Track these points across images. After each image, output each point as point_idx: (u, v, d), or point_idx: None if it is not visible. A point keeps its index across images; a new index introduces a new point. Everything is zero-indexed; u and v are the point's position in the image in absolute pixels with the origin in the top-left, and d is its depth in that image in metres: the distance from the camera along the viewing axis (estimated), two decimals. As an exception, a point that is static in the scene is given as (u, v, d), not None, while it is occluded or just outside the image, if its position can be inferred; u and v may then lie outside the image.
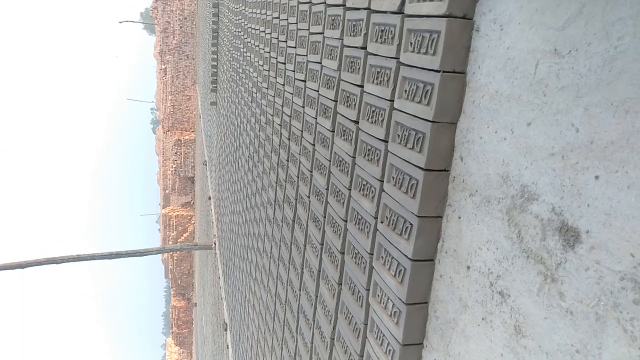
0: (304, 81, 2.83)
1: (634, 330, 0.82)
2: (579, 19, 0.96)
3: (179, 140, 25.60)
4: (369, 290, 1.82)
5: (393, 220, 1.61)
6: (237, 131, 6.41)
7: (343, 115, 2.13)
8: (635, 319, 0.82)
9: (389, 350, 1.62)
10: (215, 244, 10.57)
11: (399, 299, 1.54)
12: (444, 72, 1.36)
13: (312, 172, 2.66)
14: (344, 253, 2.14)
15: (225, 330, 7.83)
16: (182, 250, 24.00)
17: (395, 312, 1.58)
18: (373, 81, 1.81)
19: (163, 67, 27.49)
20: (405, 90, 1.55)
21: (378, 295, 1.72)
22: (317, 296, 2.53)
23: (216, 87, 10.66)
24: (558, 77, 1.02)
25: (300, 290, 2.87)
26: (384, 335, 1.66)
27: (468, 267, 1.33)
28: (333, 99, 2.27)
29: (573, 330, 0.95)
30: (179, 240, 26.20)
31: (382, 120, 1.71)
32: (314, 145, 2.62)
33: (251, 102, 5.04)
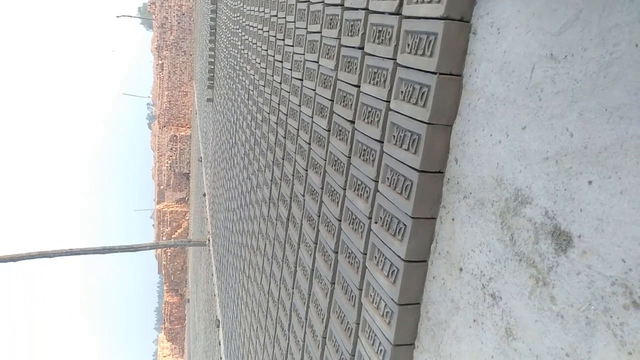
0: (301, 80, 2.82)
1: (623, 335, 0.83)
2: (575, 25, 0.97)
3: (174, 136, 25.52)
4: (361, 290, 1.83)
5: (387, 220, 1.61)
6: (233, 128, 6.40)
7: (339, 115, 2.13)
8: (625, 324, 0.82)
9: (381, 350, 1.62)
10: (209, 240, 10.55)
11: (392, 299, 1.55)
12: (440, 74, 1.36)
13: (307, 170, 2.66)
14: (337, 252, 2.14)
15: (218, 327, 7.82)
16: (175, 246, 23.95)
17: (387, 312, 1.58)
18: (370, 81, 1.81)
19: (160, 62, 27.38)
20: (402, 92, 1.55)
21: (370, 295, 1.73)
22: (309, 295, 2.53)
23: (213, 83, 10.63)
24: (554, 81, 1.02)
25: (293, 288, 2.87)
26: (375, 335, 1.67)
27: (461, 269, 1.33)
28: (329, 98, 2.27)
29: (563, 334, 0.96)
30: (172, 236, 26.14)
31: (378, 121, 1.71)
32: (309, 144, 2.62)
33: (247, 100, 5.03)
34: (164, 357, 29.81)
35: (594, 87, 0.91)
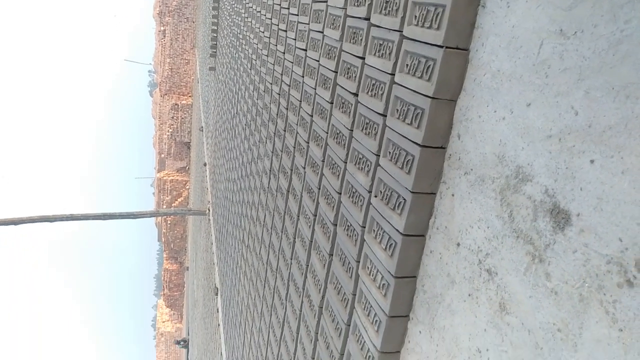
0: (305, 50, 2.78)
1: (615, 313, 0.84)
2: (587, 0, 0.95)
3: (176, 104, 25.33)
4: (359, 262, 1.85)
5: (387, 194, 1.62)
6: (234, 98, 6.35)
7: (343, 87, 2.11)
8: (618, 301, 0.84)
9: (376, 321, 1.65)
10: (209, 210, 10.62)
11: (388, 272, 1.57)
12: (447, 47, 1.34)
13: (308, 143, 2.65)
14: (336, 225, 2.15)
15: (216, 294, 7.96)
16: (175, 215, 24.12)
17: (383, 284, 1.61)
18: (375, 54, 1.78)
19: (162, 29, 26.93)
20: (407, 65, 1.53)
21: (368, 268, 1.75)
22: (307, 266, 2.56)
23: (215, 52, 10.48)
24: (562, 58, 1.01)
25: (291, 259, 2.90)
26: (371, 307, 1.70)
27: (458, 244, 1.34)
28: (333, 69, 2.24)
29: (556, 310, 0.97)
30: (173, 205, 26.28)
31: (382, 94, 1.70)
32: (312, 116, 2.60)
33: (250, 69, 4.97)
34: (163, 322, 30.43)
35: (602, 65, 0.90)
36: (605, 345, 0.86)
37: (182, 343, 22.61)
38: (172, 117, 25.58)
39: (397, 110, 1.57)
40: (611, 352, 0.84)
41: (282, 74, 3.39)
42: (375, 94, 1.76)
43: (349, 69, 2.06)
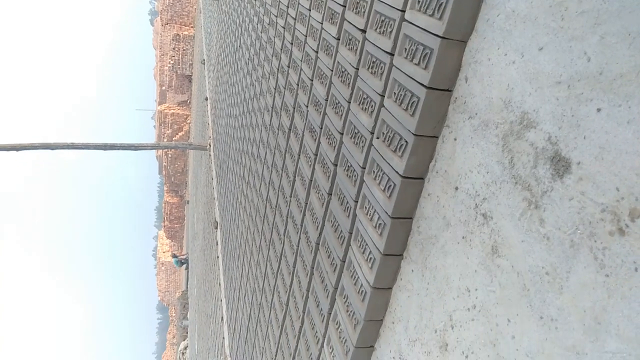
0: (313, -19, 2.66)
1: (604, 259, 0.86)
2: (614, -63, 0.89)
3: (177, 35, 24.56)
4: (357, 202, 1.88)
5: (389, 136, 1.61)
6: (238, 30, 6.15)
7: (350, 23, 2.04)
8: (608, 248, 0.86)
9: (370, 258, 1.70)
10: (210, 145, 10.61)
11: (385, 212, 1.60)
12: (461, -16, 1.28)
13: (312, 80, 2.60)
14: (336, 165, 2.16)
15: (216, 228, 8.14)
16: (176, 149, 24.14)
17: (380, 224, 1.64)
18: (386, -12, 1.70)
19: (163, -48, 25.57)
20: (419, 1, 1.47)
21: (365, 207, 1.78)
22: (306, 204, 2.60)
23: (219, -20, 10.01)
24: (580, 0, 0.96)
25: (291, 197, 2.94)
26: (366, 244, 1.74)
27: (456, 188, 1.36)
28: (342, 3, 2.16)
29: (547, 254, 1.00)
30: (173, 139, 26.24)
31: (391, 32, 1.64)
32: (317, 52, 2.54)
33: (255, 0, 4.78)
34: (164, 252, 31.37)
35: (621, 9, 0.86)
36: (590, 289, 0.89)
37: (180, 260, 23.11)
38: (174, 49, 24.90)
39: (406, 49, 1.53)
40: (595, 296, 0.88)
41: (287, 7, 3.26)
42: (383, 31, 1.70)
43: (357, 3, 1.98)
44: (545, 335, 0.99)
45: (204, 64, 13.97)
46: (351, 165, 1.95)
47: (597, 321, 0.87)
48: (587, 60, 0.94)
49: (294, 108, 2.97)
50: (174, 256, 24.08)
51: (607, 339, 0.85)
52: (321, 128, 2.41)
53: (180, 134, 26.48)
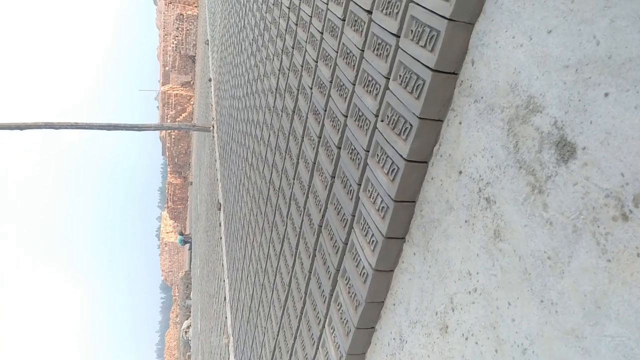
0: (319, -39, 2.62)
1: (606, 244, 0.87)
2: None
3: (181, 14, 24.31)
4: (360, 185, 1.88)
5: (394, 119, 1.61)
6: (242, 10, 6.08)
7: (356, 3, 2.01)
8: (611, 234, 0.86)
9: (373, 241, 1.71)
10: (213, 126, 10.60)
11: (388, 195, 1.60)
12: (470, -36, 1.25)
13: (317, 62, 2.58)
14: (340, 148, 2.16)
15: (219, 209, 8.18)
16: (180, 130, 24.12)
17: (383, 207, 1.64)
18: (393, -32, 1.68)
19: None
20: (426, -18, 1.44)
21: (369, 191, 1.78)
22: (310, 186, 2.60)
23: (223, -42, 9.86)
24: (591, -18, 0.95)
25: (294, 179, 2.95)
26: (369, 227, 1.75)
27: (460, 172, 1.36)
28: (348, -16, 2.13)
29: (549, 239, 1.00)
30: (177, 120, 26.20)
31: (397, 13, 1.62)
32: (322, 33, 2.51)
33: (260, -20, 4.71)
34: (167, 233, 31.60)
35: (633, -8, 0.85)
36: (592, 274, 0.89)
37: (184, 240, 23.38)
38: (177, 28, 24.67)
39: (412, 31, 1.51)
40: (596, 281, 0.88)
41: (293, -13, 3.22)
42: (390, 12, 1.68)
43: (364, -17, 1.95)
44: (545, 318, 0.99)
45: (208, 44, 13.85)
46: (355, 148, 1.95)
47: (597, 305, 0.88)
48: (596, 44, 0.92)
49: (298, 90, 2.95)
50: (181, 234, 24.32)
51: (607, 323, 0.85)
52: (325, 110, 2.40)
53: (183, 114, 26.42)
